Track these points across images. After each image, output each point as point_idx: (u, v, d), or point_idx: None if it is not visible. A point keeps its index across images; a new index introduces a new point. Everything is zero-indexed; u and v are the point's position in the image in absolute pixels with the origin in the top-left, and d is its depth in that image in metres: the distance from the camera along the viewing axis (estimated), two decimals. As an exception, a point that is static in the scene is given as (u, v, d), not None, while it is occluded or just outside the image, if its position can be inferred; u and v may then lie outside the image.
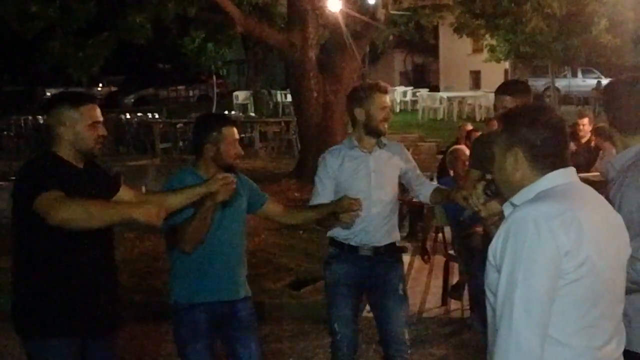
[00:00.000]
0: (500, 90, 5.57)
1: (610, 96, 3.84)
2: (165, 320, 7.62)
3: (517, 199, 2.73)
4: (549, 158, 2.72)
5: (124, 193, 4.32)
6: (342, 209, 4.69)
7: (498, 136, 2.85)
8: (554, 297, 2.55)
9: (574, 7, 14.30)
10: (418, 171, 5.38)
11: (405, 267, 6.62)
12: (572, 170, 2.77)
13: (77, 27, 11.42)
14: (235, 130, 4.65)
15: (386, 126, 5.07)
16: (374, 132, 5.04)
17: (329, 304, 5.20)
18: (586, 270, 2.56)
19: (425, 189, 5.30)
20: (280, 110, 31.30)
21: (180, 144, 22.27)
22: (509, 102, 5.39)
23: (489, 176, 3.05)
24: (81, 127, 4.01)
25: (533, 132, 2.72)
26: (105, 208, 3.77)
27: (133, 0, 11.08)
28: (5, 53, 25.14)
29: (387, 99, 5.14)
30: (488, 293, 2.69)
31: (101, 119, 4.10)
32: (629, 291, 3.54)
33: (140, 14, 11.28)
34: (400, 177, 5.25)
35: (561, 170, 2.72)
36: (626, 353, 3.73)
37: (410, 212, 10.67)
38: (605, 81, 34.49)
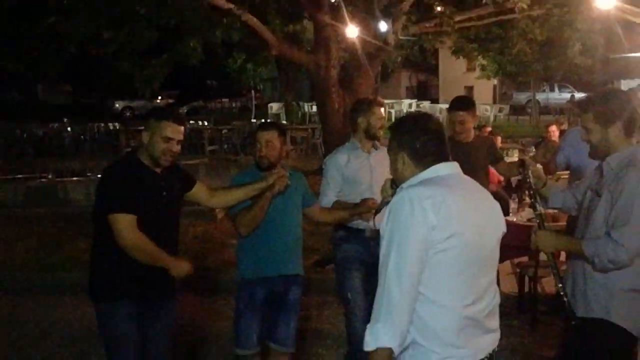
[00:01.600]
0: (454, 107, 5.78)
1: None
2: (214, 293, 7.72)
3: (405, 184, 2.82)
4: (429, 156, 2.82)
5: (198, 188, 4.42)
6: (367, 210, 4.75)
7: (389, 144, 2.95)
8: (425, 264, 2.62)
9: (553, 33, 14.21)
10: None
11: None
12: (453, 164, 2.87)
13: (142, 49, 11.49)
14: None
15: (382, 132, 5.15)
16: (373, 137, 5.16)
17: (341, 278, 5.26)
18: (453, 243, 2.64)
19: None
20: (307, 118, 31.24)
21: (225, 146, 22.44)
22: (462, 116, 5.74)
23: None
24: (156, 137, 3.99)
25: (413, 139, 2.83)
26: (152, 253, 3.95)
27: (187, 28, 11.14)
28: (82, 71, 25.19)
29: (383, 111, 5.31)
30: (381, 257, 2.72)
31: (176, 137, 4.02)
32: (604, 269, 3.57)
33: (193, 39, 11.34)
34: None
35: (443, 164, 2.82)
36: (589, 319, 3.76)
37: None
38: (578, 95, 34.37)
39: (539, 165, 5.22)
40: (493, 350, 2.83)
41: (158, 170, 4.08)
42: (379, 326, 2.58)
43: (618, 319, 3.67)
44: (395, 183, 3.11)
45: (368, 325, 2.62)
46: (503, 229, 2.93)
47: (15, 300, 7.87)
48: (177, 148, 4.07)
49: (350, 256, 5.20)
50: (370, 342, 2.59)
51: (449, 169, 2.85)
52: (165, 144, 4.00)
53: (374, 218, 4.95)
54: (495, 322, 2.86)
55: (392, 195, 3.23)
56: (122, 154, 5.96)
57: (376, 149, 5.24)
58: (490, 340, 2.83)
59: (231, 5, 11.38)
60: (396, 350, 2.59)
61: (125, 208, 3.89)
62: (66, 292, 7.86)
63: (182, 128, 4.11)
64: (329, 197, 5.09)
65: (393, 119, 39.89)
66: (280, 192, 4.43)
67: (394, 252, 2.61)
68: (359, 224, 5.09)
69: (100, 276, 4.06)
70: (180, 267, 4.02)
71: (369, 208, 4.74)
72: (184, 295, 6.96)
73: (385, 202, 4.24)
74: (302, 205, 4.82)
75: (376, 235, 5.02)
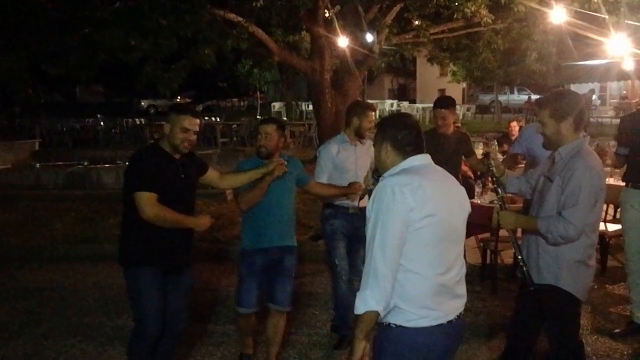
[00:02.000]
0: (438, 105, 5.89)
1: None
2: (224, 261, 7.75)
3: (387, 173, 2.86)
4: (408, 147, 2.87)
5: (210, 173, 4.46)
6: (354, 191, 4.93)
7: (375, 136, 2.99)
8: (406, 240, 2.67)
9: (513, 44, 14.22)
10: None
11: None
12: (426, 156, 2.91)
13: (164, 56, 11.49)
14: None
15: (369, 133, 5.22)
16: (361, 136, 5.29)
17: (330, 248, 5.39)
18: (428, 222, 2.69)
19: None
20: (304, 115, 31.22)
21: (235, 139, 22.38)
22: (444, 112, 5.90)
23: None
24: (176, 129, 4.04)
25: (395, 132, 2.88)
26: (172, 218, 3.99)
27: (203, 38, 11.13)
28: (113, 75, 25.08)
29: (374, 116, 5.36)
30: (367, 235, 2.76)
31: (193, 128, 4.07)
32: (556, 243, 3.59)
33: (207, 47, 11.33)
34: (371, 162, 5.38)
35: (418, 156, 2.87)
36: (541, 286, 3.77)
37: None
38: (534, 97, 34.35)
39: (499, 157, 5.27)
40: (460, 312, 2.87)
41: (177, 156, 4.10)
42: (367, 293, 2.61)
43: (566, 286, 3.70)
44: (375, 174, 3.15)
45: (357, 293, 2.65)
46: (468, 209, 2.97)
47: (56, 268, 7.90)
48: (193, 138, 4.11)
49: (336, 229, 5.33)
50: (360, 306, 2.62)
51: (423, 160, 2.89)
52: (184, 134, 4.04)
53: (358, 199, 5.03)
54: (462, 289, 2.89)
55: (373, 184, 3.27)
56: (147, 144, 6.08)
57: (362, 143, 5.36)
58: (459, 304, 2.87)
59: (240, 19, 11.38)
60: (382, 313, 2.63)
61: (147, 187, 3.92)
62: (99, 261, 7.89)
63: (198, 121, 4.17)
64: (321, 180, 5.20)
65: (377, 117, 39.83)
66: (279, 177, 4.49)
67: (379, 230, 2.65)
68: (343, 203, 5.24)
69: (128, 246, 4.08)
70: (202, 223, 4.09)
71: (355, 190, 4.91)
72: (200, 263, 7.01)
73: (367, 190, 4.31)
74: (299, 183, 4.89)
75: (358, 212, 5.18)
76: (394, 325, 2.73)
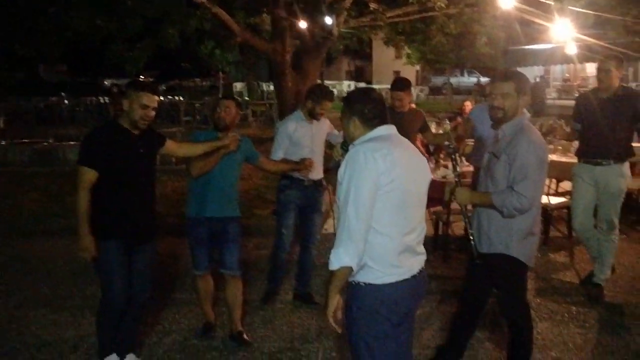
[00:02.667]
0: (394, 87, 6.09)
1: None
2: (185, 234, 7.71)
3: (357, 142, 2.94)
4: (374, 119, 2.95)
5: (169, 143, 4.39)
6: (304, 167, 5.15)
7: (342, 111, 3.05)
8: (375, 202, 2.76)
9: (464, 28, 14.33)
10: (335, 131, 5.69)
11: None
12: (391, 126, 3.00)
13: (129, 35, 11.32)
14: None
15: (322, 116, 5.43)
16: (314, 117, 5.38)
17: (280, 217, 5.52)
18: (395, 185, 2.79)
19: (335, 138, 5.62)
20: (265, 95, 30.91)
21: (197, 117, 22.20)
22: (401, 95, 6.02)
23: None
24: (135, 105, 3.99)
25: (362, 105, 2.96)
26: (80, 213, 3.94)
27: (167, 18, 10.98)
28: (78, 54, 24.49)
29: (330, 105, 5.44)
30: (337, 200, 2.86)
31: (151, 105, 4.02)
32: (511, 215, 3.69)
33: (171, 28, 11.18)
34: (337, 135, 5.59)
35: (384, 126, 2.96)
36: (493, 254, 3.88)
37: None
38: (483, 79, 34.81)
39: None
40: (421, 268, 2.99)
41: (136, 132, 4.07)
42: (341, 250, 2.70)
43: (515, 253, 3.81)
44: (344, 146, 3.20)
45: (332, 251, 2.73)
46: (430, 177, 3.09)
47: (25, 242, 7.80)
48: (152, 114, 4.07)
49: (290, 200, 5.47)
50: (334, 262, 2.71)
51: (389, 130, 2.98)
52: (143, 110, 4.00)
53: (323, 176, 5.06)
54: (422, 248, 3.02)
55: (342, 155, 3.32)
56: (107, 120, 6.03)
57: (317, 120, 5.46)
58: (420, 261, 3.00)
59: (203, 0, 11.25)
60: (355, 269, 2.72)
61: (88, 163, 3.93)
62: (68, 235, 7.77)
63: (156, 98, 4.11)
64: (277, 154, 5.30)
65: (335, 97, 39.93)
66: (233, 151, 4.58)
67: (352, 192, 2.73)
68: (299, 175, 5.36)
69: (94, 220, 4.02)
70: (84, 248, 3.99)
71: (306, 166, 5.12)
72: (165, 237, 6.98)
73: (336, 162, 4.34)
74: (249, 160, 4.96)
75: (312, 184, 5.39)
76: (363, 284, 2.83)
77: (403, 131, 3.20)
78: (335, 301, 2.74)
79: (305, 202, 5.49)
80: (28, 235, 8.05)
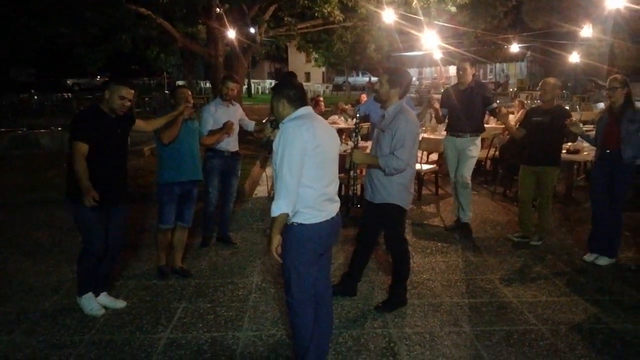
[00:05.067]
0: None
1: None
2: (146, 202, 7.58)
3: (285, 120, 3.01)
4: (297, 101, 3.04)
5: (139, 122, 4.32)
6: (228, 127, 5.25)
7: (272, 95, 3.11)
8: (304, 163, 2.88)
9: (357, 38, 14.48)
10: (247, 119, 5.81)
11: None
12: (309, 107, 3.09)
13: (89, 41, 10.85)
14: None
15: (230, 97, 5.48)
16: (223, 98, 5.47)
17: (207, 181, 5.53)
18: (318, 150, 2.92)
19: (250, 125, 5.78)
20: (203, 91, 30.46)
21: (147, 109, 21.60)
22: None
23: (272, 117, 3.22)
24: (114, 96, 3.95)
25: (288, 90, 3.04)
26: (81, 177, 3.81)
27: (120, 27, 10.56)
28: (45, 57, 23.01)
29: (234, 85, 5.50)
30: (273, 165, 2.95)
31: (128, 97, 3.98)
32: (391, 173, 3.91)
33: (124, 35, 10.78)
34: (240, 120, 5.69)
35: (305, 107, 3.05)
36: (380, 204, 4.08)
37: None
38: (373, 78, 35.35)
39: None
40: (337, 212, 3.14)
41: (113, 116, 4.02)
42: (280, 201, 2.84)
43: (396, 200, 4.05)
44: (273, 124, 3.27)
45: (273, 202, 2.86)
46: (339, 142, 3.22)
47: (9, 212, 7.43)
48: (128, 104, 4.03)
49: (214, 167, 5.53)
50: (275, 210, 2.85)
51: (308, 110, 3.08)
52: (121, 101, 3.97)
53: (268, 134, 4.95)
54: (337, 197, 3.16)
55: (272, 132, 3.41)
56: (86, 105, 5.69)
57: (233, 105, 5.58)
58: (336, 207, 3.14)
59: (150, 13, 10.90)
60: (290, 214, 2.88)
61: (81, 138, 3.85)
62: (44, 205, 7.50)
63: (133, 91, 4.06)
64: (206, 129, 5.30)
65: (259, 91, 39.94)
66: (189, 116, 4.63)
67: (285, 158, 2.84)
68: (221, 147, 5.45)
69: (74, 186, 3.94)
70: (89, 196, 3.80)
71: (229, 127, 5.22)
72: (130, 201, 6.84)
73: (267, 137, 4.42)
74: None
75: (230, 155, 5.45)
76: (296, 224, 2.97)
77: None
78: (277, 240, 2.88)
79: (226, 168, 5.58)
80: (10, 206, 7.67)
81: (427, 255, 5.50)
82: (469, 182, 6.10)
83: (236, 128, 5.58)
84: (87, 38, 10.53)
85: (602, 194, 5.16)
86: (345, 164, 7.00)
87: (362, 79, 41.73)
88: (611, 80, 5.08)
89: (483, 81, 13.49)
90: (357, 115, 4.48)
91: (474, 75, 6.14)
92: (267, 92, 34.30)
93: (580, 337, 3.76)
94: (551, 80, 5.65)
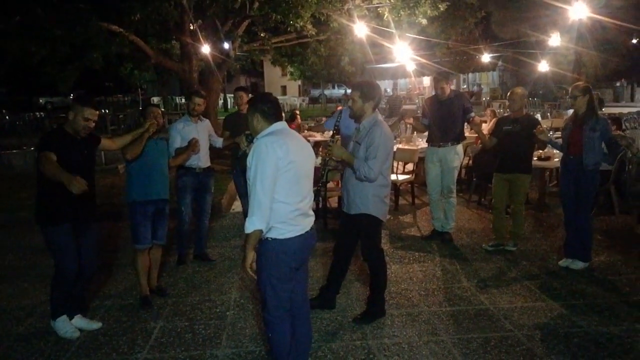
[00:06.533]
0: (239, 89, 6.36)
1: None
2: (120, 220, 7.51)
3: (259, 135, 3.03)
4: (272, 116, 3.06)
5: (104, 141, 4.27)
6: (193, 144, 5.11)
7: (248, 110, 3.12)
8: (277, 180, 2.89)
9: (331, 51, 14.58)
10: (215, 136, 5.84)
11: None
12: (284, 122, 3.11)
13: (60, 59, 10.71)
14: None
15: (197, 112, 5.49)
16: (191, 114, 5.49)
17: (179, 198, 5.54)
18: (291, 166, 2.93)
19: (218, 141, 5.82)
20: (178, 107, 30.41)
21: (122, 126, 21.34)
22: (243, 96, 6.19)
23: (248, 132, 3.22)
24: (78, 117, 3.90)
25: (263, 105, 3.06)
26: (55, 172, 3.64)
27: (92, 44, 10.43)
28: (16, 76, 22.67)
29: (201, 101, 5.51)
30: (247, 180, 2.94)
31: (93, 118, 3.93)
32: (360, 179, 3.97)
33: (96, 52, 10.67)
34: (210, 136, 5.71)
35: (279, 122, 3.08)
36: (358, 214, 4.10)
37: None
38: (349, 90, 35.57)
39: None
40: (312, 226, 3.14)
41: (78, 137, 3.97)
42: (254, 218, 2.83)
43: (373, 212, 4.09)
44: (248, 138, 3.27)
45: (246, 219, 2.85)
46: (315, 158, 3.23)
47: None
48: (92, 125, 3.99)
49: (186, 185, 5.53)
50: (249, 227, 2.84)
51: (283, 125, 3.09)
52: (85, 122, 3.92)
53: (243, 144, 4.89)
54: (312, 212, 3.16)
55: (247, 145, 3.42)
56: (52, 128, 5.63)
57: (202, 121, 5.58)
58: (311, 221, 3.15)
59: (122, 30, 10.82)
60: (264, 230, 2.88)
61: (48, 149, 3.77)
62: (15, 226, 7.35)
63: (97, 112, 4.03)
64: (173, 147, 5.24)
65: (236, 106, 39.67)
66: (154, 132, 4.55)
67: (258, 174, 2.85)
68: (192, 164, 5.45)
69: (44, 208, 3.90)
70: (76, 183, 3.53)
71: (193, 144, 5.10)
72: (100, 222, 6.73)
73: (243, 151, 4.42)
74: None
75: (202, 171, 5.45)
76: (270, 239, 2.97)
77: None
78: (251, 256, 2.86)
79: (198, 185, 5.55)
80: (-19, 228, 7.51)
81: (405, 264, 5.53)
82: (454, 192, 6.24)
83: (206, 144, 5.56)
84: (57, 56, 10.37)
85: (571, 200, 5.27)
86: (321, 177, 7.05)
87: (338, 92, 42.09)
88: (572, 89, 5.22)
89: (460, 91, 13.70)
90: (337, 121, 4.58)
91: (450, 85, 6.34)
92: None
93: (556, 342, 3.82)
94: (519, 90, 5.79)
